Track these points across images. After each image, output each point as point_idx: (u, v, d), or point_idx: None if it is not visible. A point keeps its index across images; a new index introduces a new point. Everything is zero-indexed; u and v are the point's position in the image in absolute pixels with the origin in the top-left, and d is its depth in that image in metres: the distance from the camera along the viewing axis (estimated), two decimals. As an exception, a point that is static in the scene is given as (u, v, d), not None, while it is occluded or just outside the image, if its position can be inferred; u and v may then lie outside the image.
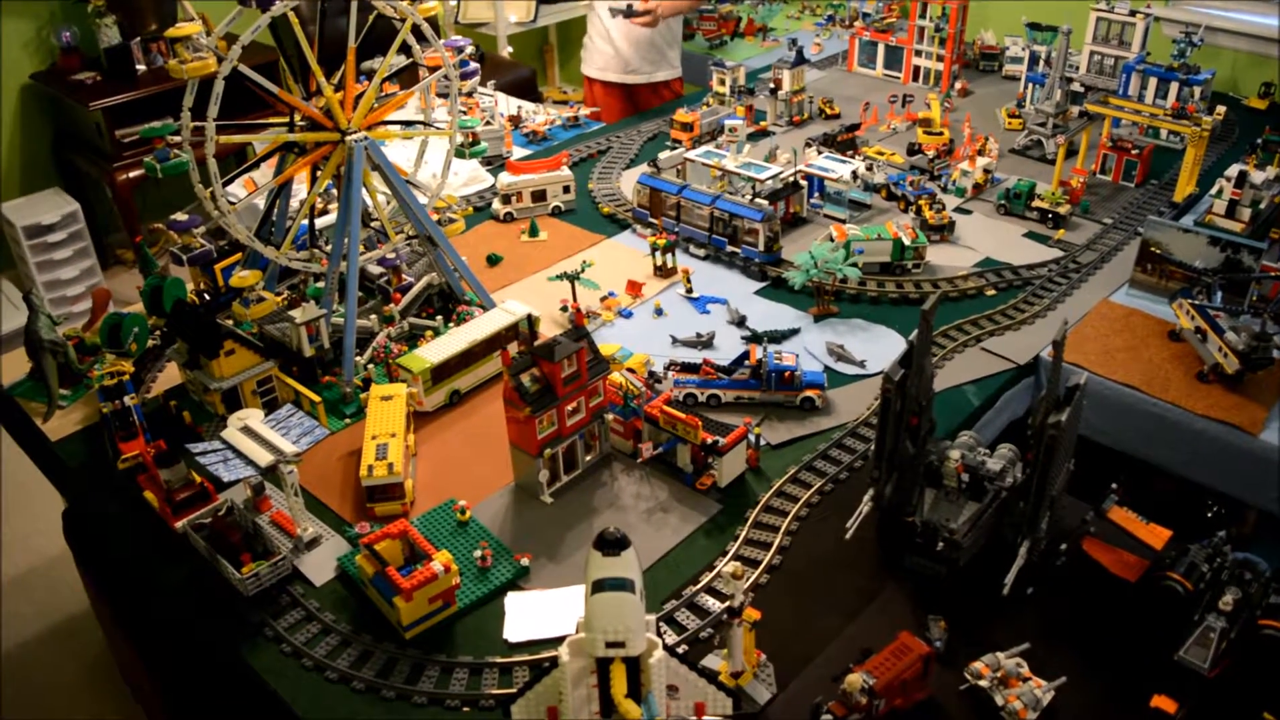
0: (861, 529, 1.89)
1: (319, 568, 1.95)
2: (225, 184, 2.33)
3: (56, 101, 5.03)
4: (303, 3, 2.18)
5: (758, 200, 2.83)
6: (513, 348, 2.40)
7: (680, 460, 2.08)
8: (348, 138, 2.30)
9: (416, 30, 2.38)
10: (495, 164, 3.43)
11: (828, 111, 3.92)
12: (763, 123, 3.80)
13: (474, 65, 2.54)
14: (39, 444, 2.43)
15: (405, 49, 2.41)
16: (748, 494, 2.05)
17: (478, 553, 1.90)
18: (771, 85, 3.83)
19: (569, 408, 2.02)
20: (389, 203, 2.52)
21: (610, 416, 2.13)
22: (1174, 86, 3.62)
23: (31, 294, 2.53)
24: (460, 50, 2.49)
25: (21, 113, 5.15)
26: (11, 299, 4.91)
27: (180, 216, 2.40)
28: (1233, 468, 2.31)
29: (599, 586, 1.30)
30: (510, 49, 6.25)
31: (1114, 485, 1.96)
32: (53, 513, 2.57)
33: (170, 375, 2.53)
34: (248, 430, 2.05)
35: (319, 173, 2.39)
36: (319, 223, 2.65)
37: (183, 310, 2.38)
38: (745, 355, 2.28)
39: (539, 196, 3.17)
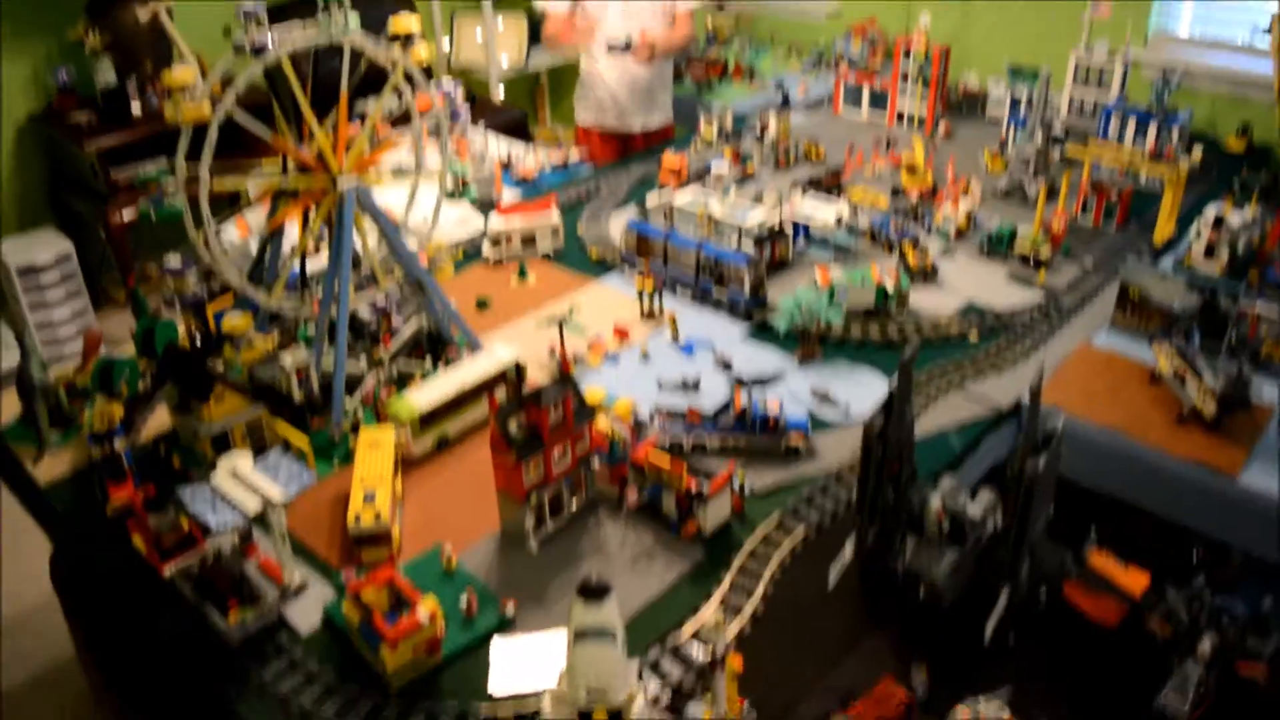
0: (845, 575, 1.91)
1: (306, 615, 1.96)
2: (227, 217, 2.37)
3: (52, 142, 5.06)
4: (297, 49, 2.22)
5: (744, 244, 2.87)
6: (501, 393, 2.42)
7: (665, 507, 2.10)
8: (339, 183, 2.33)
9: (408, 75, 2.42)
10: (486, 207, 3.46)
11: (813, 155, 3.97)
12: (749, 165, 3.85)
13: (463, 112, 2.58)
14: (28, 487, 2.44)
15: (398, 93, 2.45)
16: (732, 541, 2.07)
17: (464, 599, 1.92)
18: (758, 129, 3.88)
19: (555, 454, 2.04)
20: (379, 247, 2.55)
21: (596, 463, 2.15)
22: (1152, 128, 3.68)
23: (25, 336, 2.55)
24: (451, 96, 2.53)
25: (17, 153, 5.19)
26: (4, 340, 4.93)
27: (173, 261, 2.43)
28: (1212, 510, 2.33)
29: (580, 636, 1.32)
30: (502, 92, 6.32)
31: (1093, 529, 1.99)
32: (40, 558, 2.58)
33: (161, 418, 2.54)
34: (236, 475, 2.06)
35: (311, 216, 2.42)
36: (311, 265, 2.69)
37: (174, 354, 2.39)
38: (730, 401, 2.31)
39: (528, 240, 3.20)
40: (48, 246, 4.93)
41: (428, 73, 2.47)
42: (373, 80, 2.40)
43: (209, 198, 2.14)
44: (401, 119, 2.56)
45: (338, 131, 2.31)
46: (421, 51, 2.39)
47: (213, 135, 2.10)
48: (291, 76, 2.19)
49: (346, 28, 2.24)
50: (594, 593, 1.31)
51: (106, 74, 4.88)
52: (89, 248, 5.07)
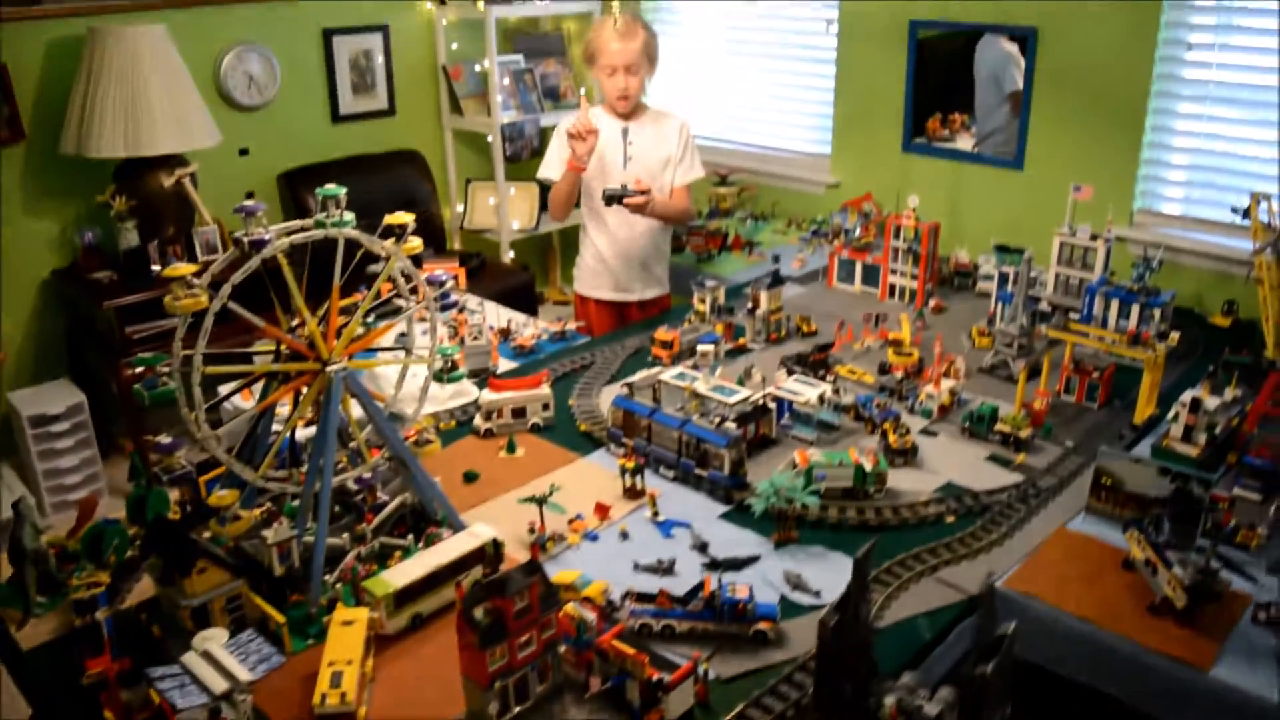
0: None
1: (268, 797, 1.98)
2: (220, 402, 2.48)
3: (73, 298, 5.28)
4: (292, 243, 2.36)
5: (725, 425, 2.95)
6: (478, 572, 2.47)
7: (629, 694, 2.11)
8: (328, 368, 2.44)
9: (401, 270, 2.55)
10: (480, 377, 3.57)
11: (805, 329, 4.09)
12: (741, 339, 3.96)
13: (454, 298, 2.70)
14: (11, 651, 2.49)
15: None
16: (695, 730, 2.08)
17: (423, 789, 1.93)
18: (750, 304, 4.01)
19: (521, 640, 2.07)
20: (365, 424, 2.64)
21: (563, 648, 2.18)
22: (1135, 309, 3.77)
23: (21, 502, 2.63)
24: (442, 284, 2.66)
25: (39, 306, 5.41)
26: (10, 486, 5.03)
27: (164, 439, 2.53)
28: (1184, 703, 2.33)
29: None
30: (512, 254, 6.55)
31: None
32: (21, 723, 2.59)
33: (146, 585, 2.59)
34: (207, 655, 2.11)
35: (302, 396, 2.52)
36: (301, 435, 2.78)
37: (161, 526, 2.47)
38: (700, 586, 2.35)
39: (519, 413, 3.30)
40: (60, 397, 5.09)
41: (418, 260, 2.61)
42: (367, 270, 2.54)
43: (201, 381, 2.25)
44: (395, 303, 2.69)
45: (329, 319, 2.43)
46: (413, 242, 2.54)
47: (207, 324, 2.23)
48: (286, 271, 2.32)
49: (341, 222, 2.38)
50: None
51: (130, 235, 5.12)
52: (102, 397, 5.23)
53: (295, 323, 2.48)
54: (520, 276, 6.23)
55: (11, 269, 5.26)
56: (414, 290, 2.63)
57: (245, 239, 2.29)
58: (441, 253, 6.20)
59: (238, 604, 2.43)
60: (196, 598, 2.36)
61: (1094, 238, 4.05)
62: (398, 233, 2.53)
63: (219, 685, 2.00)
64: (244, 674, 2.03)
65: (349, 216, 2.42)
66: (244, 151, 5.89)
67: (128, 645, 2.31)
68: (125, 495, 2.87)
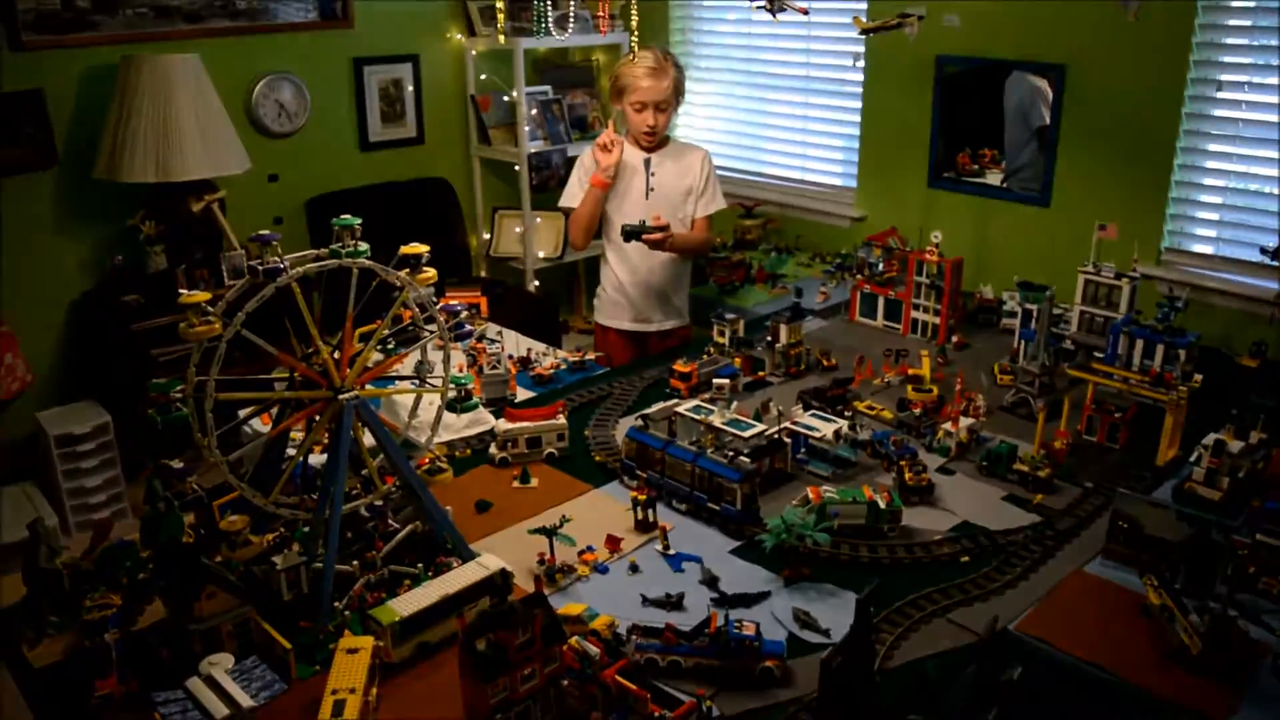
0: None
1: (267, 825, 1.97)
2: (235, 426, 2.51)
3: (101, 320, 5.35)
4: (308, 273, 2.39)
5: (739, 459, 2.93)
6: (485, 602, 2.47)
7: (632, 730, 2.10)
8: (340, 396, 2.46)
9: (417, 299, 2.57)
10: (498, 406, 3.58)
11: (825, 363, 4.07)
12: (760, 372, 3.95)
13: (469, 328, 2.72)
14: (23, 670, 2.51)
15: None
16: (696, 769, 2.06)
17: (421, 821, 1.92)
18: (769, 337, 4.00)
19: (523, 673, 2.06)
20: (377, 451, 2.65)
21: (566, 681, 2.17)
22: (1159, 349, 3.73)
23: (38, 522, 2.66)
24: (457, 314, 2.67)
25: (69, 327, 5.49)
26: (36, 505, 5.09)
27: (176, 464, 2.55)
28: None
29: None
30: (537, 283, 6.58)
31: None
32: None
33: (158, 608, 2.60)
34: (211, 680, 2.12)
35: (314, 423, 2.54)
36: (315, 461, 2.79)
37: (172, 550, 2.48)
38: (706, 622, 2.33)
39: (534, 443, 3.30)
40: (87, 418, 5.16)
41: (448, 268, 2.63)
42: (382, 298, 2.56)
43: (213, 406, 2.28)
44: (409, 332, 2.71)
45: (343, 347, 2.45)
46: (428, 272, 2.55)
47: (221, 351, 2.25)
48: (300, 300, 2.34)
49: (356, 253, 2.40)
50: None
51: (158, 259, 5.20)
52: (128, 422, 5.28)
53: (310, 350, 2.49)
54: (544, 305, 6.25)
55: (42, 291, 5.35)
56: (430, 320, 2.64)
57: (260, 267, 2.31)
58: (467, 281, 6.24)
59: (246, 629, 2.44)
60: (205, 622, 2.37)
61: (1119, 276, 4.02)
62: (413, 263, 2.55)
63: (220, 711, 2.01)
64: (246, 700, 2.04)
65: (364, 246, 2.45)
66: (273, 178, 5.97)
67: (137, 667, 2.32)
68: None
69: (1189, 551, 2.64)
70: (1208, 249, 4.83)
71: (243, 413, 2.74)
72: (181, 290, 2.33)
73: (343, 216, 2.45)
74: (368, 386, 2.56)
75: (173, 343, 4.96)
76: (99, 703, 2.24)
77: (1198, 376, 3.44)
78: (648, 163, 4.53)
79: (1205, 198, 4.81)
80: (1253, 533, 2.74)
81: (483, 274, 6.85)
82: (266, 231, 2.33)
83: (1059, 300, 4.03)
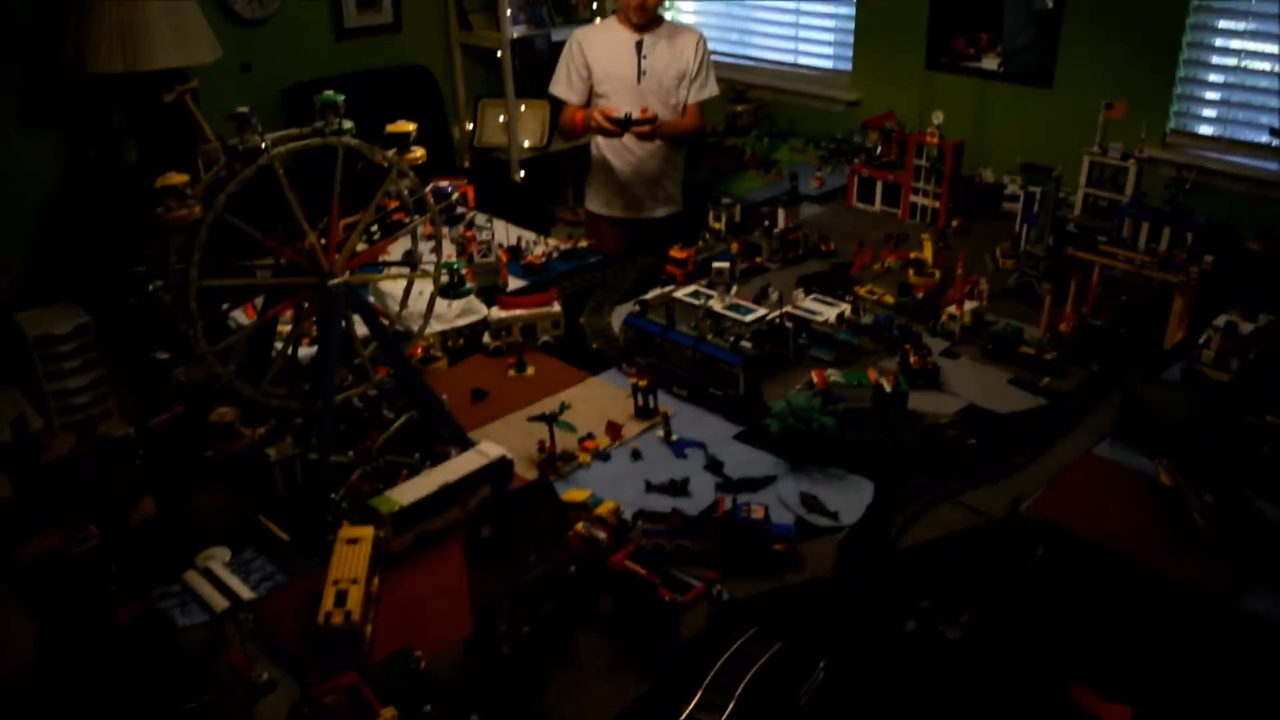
0: (820, 693, 1.86)
1: (273, 713, 1.93)
2: (220, 319, 2.41)
3: (75, 218, 5.18)
4: (291, 152, 2.26)
5: (740, 343, 2.86)
6: (486, 490, 2.41)
7: (639, 616, 2.05)
8: (329, 282, 2.35)
9: (403, 175, 2.45)
10: (489, 295, 3.48)
11: (823, 248, 3.98)
12: (757, 258, 3.85)
13: (459, 210, 2.60)
14: (15, 570, 2.45)
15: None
16: (706, 652, 2.02)
17: (427, 707, 1.88)
18: (766, 222, 3.90)
19: (529, 560, 2.01)
20: (370, 340, 2.56)
21: (572, 568, 2.12)
22: (1166, 231, 3.65)
23: (22, 420, 2.58)
24: (448, 196, 2.56)
25: (42, 226, 5.32)
26: (20, 407, 4.99)
27: (162, 355, 2.45)
28: (1210, 634, 2.25)
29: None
30: (523, 173, 6.41)
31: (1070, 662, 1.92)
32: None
33: (149, 507, 2.53)
34: (209, 573, 2.06)
35: (303, 310, 2.44)
36: (305, 353, 2.70)
37: (166, 444, 2.41)
38: (714, 506, 2.28)
39: (528, 331, 3.21)
40: (67, 319, 5.02)
41: (431, 159, 2.50)
42: (370, 181, 2.44)
43: (197, 295, 2.17)
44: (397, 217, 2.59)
45: (330, 231, 2.34)
46: (417, 152, 2.43)
47: (203, 236, 2.14)
48: (283, 180, 2.22)
49: (340, 130, 2.28)
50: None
51: (131, 154, 5.01)
52: (109, 322, 5.15)
53: (296, 236, 2.38)
54: (531, 196, 6.10)
55: (12, 188, 5.15)
56: (419, 204, 2.53)
57: (240, 148, 2.19)
58: (451, 172, 6.06)
59: (242, 523, 2.37)
60: (199, 516, 2.31)
61: (1125, 157, 3.91)
62: (400, 142, 2.42)
63: (220, 604, 1.96)
64: (246, 592, 1.99)
65: (348, 125, 2.32)
66: (246, 67, 5.73)
67: (134, 565, 2.26)
68: (133, 418, 2.81)
69: (1203, 432, 2.60)
70: (1212, 131, 4.71)
71: (226, 306, 2.63)
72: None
73: (325, 93, 2.32)
74: (357, 272, 2.45)
75: (150, 240, 4.81)
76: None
77: (1208, 257, 3.36)
78: (639, 45, 4.35)
79: (1212, 78, 4.67)
80: (1264, 414, 2.69)
81: (466, 165, 6.66)
82: (245, 109, 2.19)
83: (1062, 183, 3.93)
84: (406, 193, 2.49)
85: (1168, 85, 4.67)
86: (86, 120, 5.19)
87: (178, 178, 2.12)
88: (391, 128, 2.41)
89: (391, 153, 2.41)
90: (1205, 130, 4.73)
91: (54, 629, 2.38)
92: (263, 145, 2.19)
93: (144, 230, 4.25)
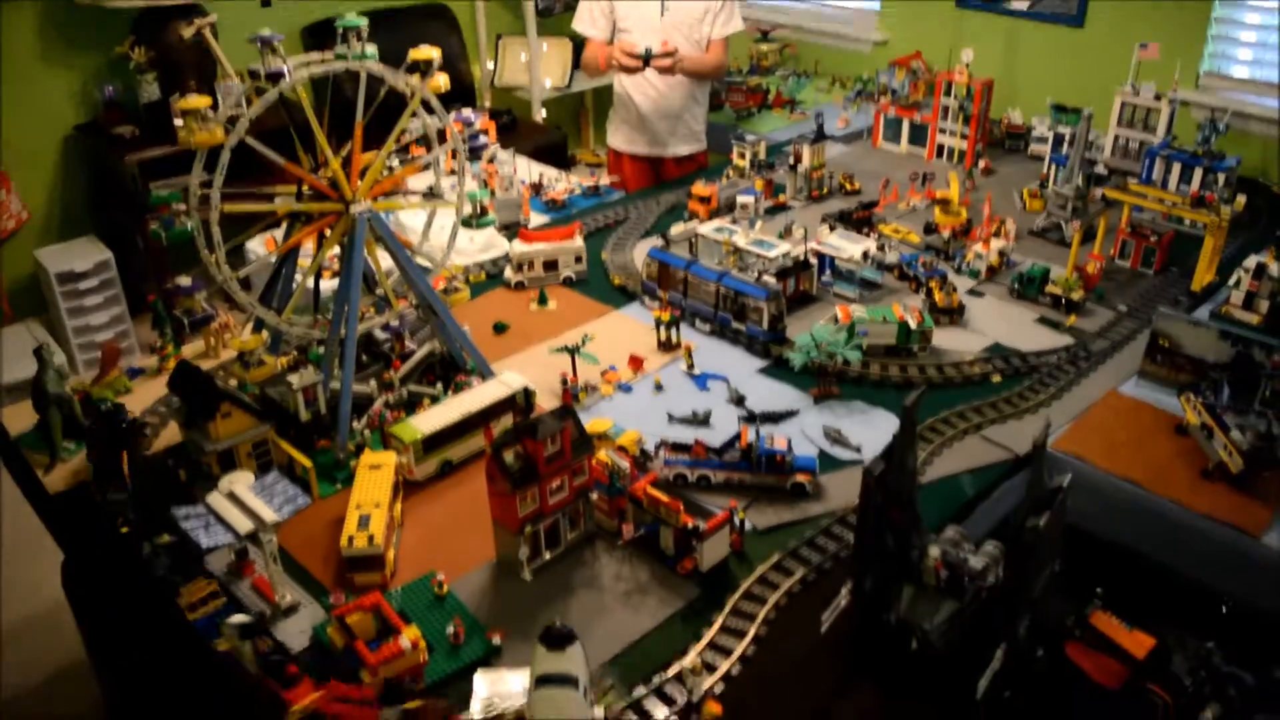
0: (841, 621, 1.86)
1: (296, 635, 1.95)
2: (240, 244, 2.39)
3: (96, 154, 5.17)
4: (313, 77, 2.24)
5: (764, 278, 2.83)
6: (508, 420, 2.41)
7: (663, 542, 2.06)
8: (351, 209, 2.34)
9: (426, 104, 2.42)
10: (512, 230, 3.46)
11: (848, 187, 3.93)
12: (781, 196, 3.81)
13: (483, 139, 2.57)
14: (40, 495, 2.47)
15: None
16: (729, 579, 2.03)
17: (450, 628, 1.89)
18: (791, 160, 3.85)
19: (552, 485, 2.01)
20: (392, 271, 2.55)
21: (595, 495, 2.12)
22: (1197, 173, 3.58)
23: (42, 349, 2.57)
24: (470, 124, 2.53)
25: (63, 162, 5.31)
26: (43, 340, 5.01)
27: (184, 281, 2.45)
28: (1234, 570, 2.25)
29: (542, 682, 1.29)
30: (544, 113, 6.35)
31: (1098, 590, 1.92)
32: (53, 564, 2.60)
33: (172, 431, 2.55)
34: (232, 496, 2.07)
35: (325, 239, 2.43)
36: (326, 286, 2.70)
37: (184, 371, 2.41)
38: (737, 437, 2.27)
39: (550, 265, 3.20)
40: (87, 255, 5.03)
41: (451, 98, 2.47)
42: (394, 111, 2.41)
43: (220, 220, 2.16)
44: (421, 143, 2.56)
45: (352, 158, 2.32)
46: (439, 80, 2.39)
47: (224, 159, 2.12)
48: (306, 104, 2.20)
49: (363, 55, 2.25)
50: (556, 641, 1.28)
51: (150, 89, 4.98)
52: (129, 257, 5.16)
53: (319, 162, 2.36)
54: (552, 135, 6.05)
55: (32, 125, 5.14)
56: (441, 134, 2.50)
57: (262, 70, 2.16)
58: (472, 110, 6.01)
59: (264, 449, 2.38)
60: (221, 443, 2.31)
61: (1158, 97, 3.84)
62: (423, 68, 2.39)
63: (244, 525, 1.97)
64: (270, 515, 1.99)
65: (371, 49, 2.29)
66: (266, 2, 5.69)
67: (155, 491, 2.26)
68: (154, 350, 2.81)
69: (1231, 371, 2.57)
70: (1247, 73, 4.61)
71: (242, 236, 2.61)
72: (177, 121, 2.17)
73: (347, 16, 2.28)
74: (380, 200, 2.43)
75: (170, 175, 4.79)
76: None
77: (1241, 198, 3.30)
78: (663, -22, 4.27)
79: (1249, 18, 4.55)
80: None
81: (487, 104, 6.60)
82: (268, 32, 2.16)
83: (1092, 124, 3.86)
84: (428, 118, 2.46)
85: (1202, 25, 4.56)
86: (106, 56, 5.15)
87: (200, 100, 2.10)
88: (414, 54, 2.37)
89: (415, 78, 2.38)
90: (1239, 73, 4.63)
91: (77, 555, 2.42)
92: (284, 68, 2.16)
93: (163, 167, 4.23)
